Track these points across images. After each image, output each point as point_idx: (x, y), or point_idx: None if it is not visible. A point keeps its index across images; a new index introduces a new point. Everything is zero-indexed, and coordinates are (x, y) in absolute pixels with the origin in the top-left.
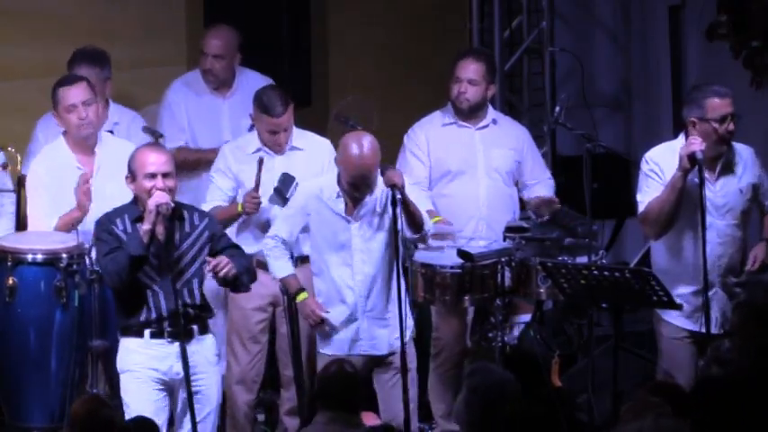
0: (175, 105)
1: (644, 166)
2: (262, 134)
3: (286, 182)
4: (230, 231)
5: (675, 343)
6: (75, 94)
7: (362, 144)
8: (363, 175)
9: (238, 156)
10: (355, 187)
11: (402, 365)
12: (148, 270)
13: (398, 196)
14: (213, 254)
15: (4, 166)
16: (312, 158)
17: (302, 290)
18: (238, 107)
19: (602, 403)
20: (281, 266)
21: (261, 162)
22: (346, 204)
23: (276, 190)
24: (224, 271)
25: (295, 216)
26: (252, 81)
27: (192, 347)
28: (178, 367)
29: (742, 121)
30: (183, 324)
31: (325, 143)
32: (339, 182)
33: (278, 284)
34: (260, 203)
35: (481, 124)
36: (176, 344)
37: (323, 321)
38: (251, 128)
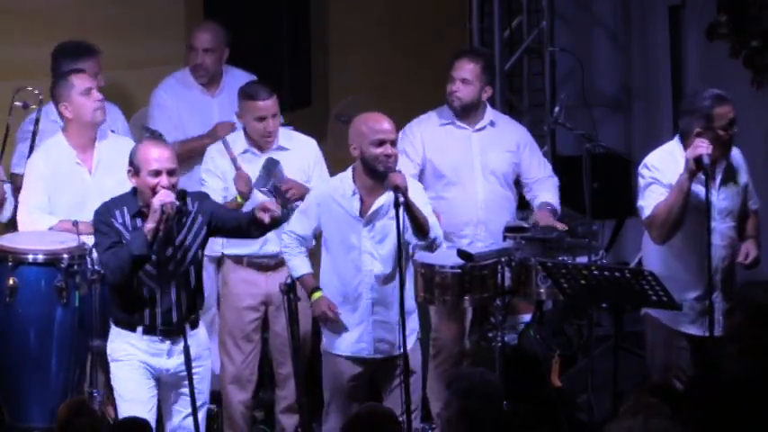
0: (168, 104)
1: (644, 173)
2: (250, 125)
3: (270, 166)
4: None
5: (672, 348)
6: (86, 77)
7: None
8: (385, 128)
9: (225, 156)
10: (384, 149)
11: (405, 368)
12: (147, 266)
13: (401, 199)
14: (222, 226)
15: (25, 107)
16: (298, 157)
17: (317, 289)
18: (227, 105)
19: (602, 403)
20: (297, 265)
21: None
22: (362, 203)
23: (261, 173)
24: (273, 214)
25: (309, 213)
26: (239, 79)
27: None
28: (168, 364)
29: (742, 121)
30: (180, 323)
31: (311, 142)
32: (354, 179)
33: (270, 284)
34: (249, 178)
35: (478, 126)
36: (168, 341)
37: (334, 320)
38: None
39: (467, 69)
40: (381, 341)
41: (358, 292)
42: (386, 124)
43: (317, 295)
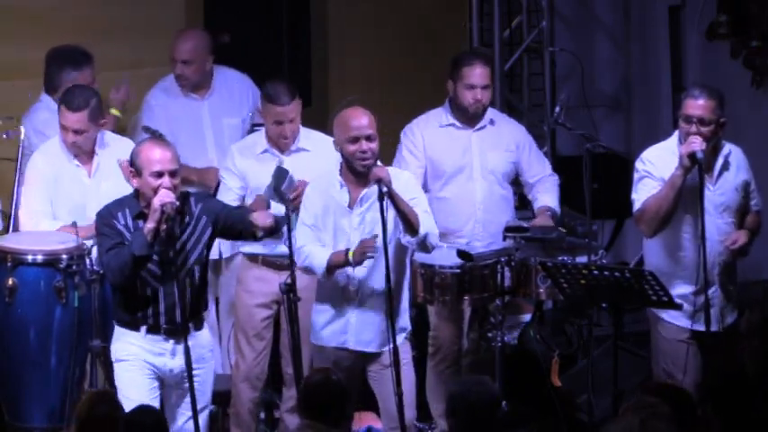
0: (157, 109)
1: (639, 166)
2: (268, 126)
3: (280, 177)
4: None
5: (678, 344)
6: (73, 120)
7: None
8: (361, 124)
9: (246, 155)
10: (358, 145)
11: (395, 360)
12: (150, 266)
13: (384, 190)
14: (229, 228)
15: (8, 137)
16: (319, 159)
17: (347, 250)
18: (218, 106)
19: (603, 403)
20: (319, 259)
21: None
22: (350, 194)
23: (272, 186)
24: (267, 223)
25: (308, 220)
26: (229, 79)
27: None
28: (171, 364)
29: (742, 120)
30: (183, 323)
31: (331, 142)
32: (341, 172)
33: (280, 283)
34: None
35: (478, 125)
36: (171, 341)
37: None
38: (252, 127)
39: (485, 75)
40: (366, 333)
41: (346, 282)
42: (362, 120)
43: (351, 252)
